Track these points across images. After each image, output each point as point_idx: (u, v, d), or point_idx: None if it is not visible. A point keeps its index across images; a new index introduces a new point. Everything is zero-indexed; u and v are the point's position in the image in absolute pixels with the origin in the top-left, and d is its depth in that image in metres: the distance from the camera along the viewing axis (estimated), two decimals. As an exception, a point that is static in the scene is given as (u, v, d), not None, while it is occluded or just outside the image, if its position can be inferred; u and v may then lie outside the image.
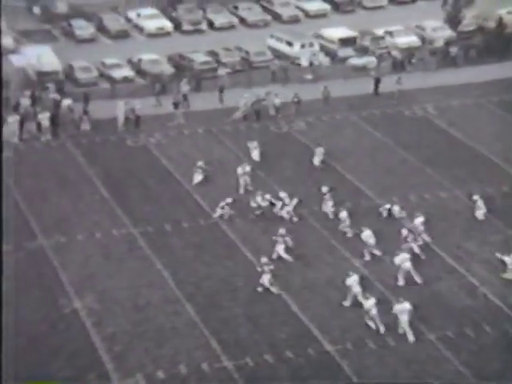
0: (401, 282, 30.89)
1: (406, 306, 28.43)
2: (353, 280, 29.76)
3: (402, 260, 30.99)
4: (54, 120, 41.58)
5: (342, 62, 49.32)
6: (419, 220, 33.43)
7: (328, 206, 34.91)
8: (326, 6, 57.10)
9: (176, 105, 43.38)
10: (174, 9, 55.05)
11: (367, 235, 32.39)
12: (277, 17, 55.84)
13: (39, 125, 41.30)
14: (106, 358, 27.42)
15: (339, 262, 32.18)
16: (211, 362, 27.28)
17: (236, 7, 56.06)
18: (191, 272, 31.59)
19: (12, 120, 40.64)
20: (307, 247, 33.01)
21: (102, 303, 29.81)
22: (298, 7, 56.78)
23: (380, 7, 57.90)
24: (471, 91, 46.37)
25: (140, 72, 47.56)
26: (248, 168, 37.00)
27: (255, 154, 39.15)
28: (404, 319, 28.34)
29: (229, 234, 33.85)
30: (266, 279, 30.30)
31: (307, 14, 56.46)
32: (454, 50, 50.00)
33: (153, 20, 54.02)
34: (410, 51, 50.11)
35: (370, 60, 49.27)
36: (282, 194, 35.37)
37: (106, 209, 35.54)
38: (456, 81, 47.38)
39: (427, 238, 33.13)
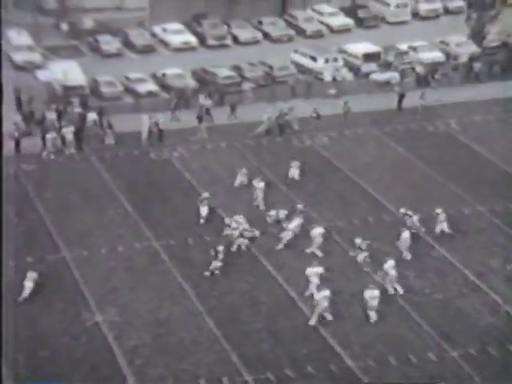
0: (390, 290, 31.06)
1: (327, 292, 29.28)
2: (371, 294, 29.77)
3: (389, 266, 30.99)
4: (78, 134, 41.94)
5: (365, 77, 49.33)
6: (406, 235, 33.14)
7: (294, 223, 34.10)
8: (350, 21, 57.21)
9: (200, 119, 43.62)
10: (198, 24, 55.42)
11: (390, 265, 31.47)
12: (301, 32, 56.01)
13: (63, 138, 41.65)
14: (127, 371, 27.51)
15: (361, 277, 32.07)
16: (232, 377, 27.28)
17: (260, 22, 56.33)
18: (213, 286, 31.63)
19: (51, 136, 40.91)
20: (330, 262, 32.93)
21: (123, 316, 29.91)
22: (321, 22, 56.91)
23: (404, 22, 57.91)
24: (494, 107, 46.18)
25: (164, 86, 47.88)
26: (262, 184, 36.81)
27: (294, 173, 38.65)
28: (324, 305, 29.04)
29: (251, 249, 33.87)
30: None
31: (331, 29, 56.58)
32: (477, 65, 49.87)
33: (178, 35, 54.39)
34: (433, 66, 50.03)
35: (392, 75, 49.25)
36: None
37: (129, 222, 35.72)
38: (479, 96, 47.21)
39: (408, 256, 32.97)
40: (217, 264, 32.06)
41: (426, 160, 41.04)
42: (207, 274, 31.99)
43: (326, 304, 29.34)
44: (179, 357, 28.10)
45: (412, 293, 31.25)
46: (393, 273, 31.16)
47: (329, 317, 29.57)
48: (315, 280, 30.59)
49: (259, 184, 36.97)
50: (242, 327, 29.43)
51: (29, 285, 30.50)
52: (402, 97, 45.77)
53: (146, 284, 31.68)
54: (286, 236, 33.58)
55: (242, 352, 28.24)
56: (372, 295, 29.69)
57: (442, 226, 34.61)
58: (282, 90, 47.36)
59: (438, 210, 34.81)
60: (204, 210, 35.53)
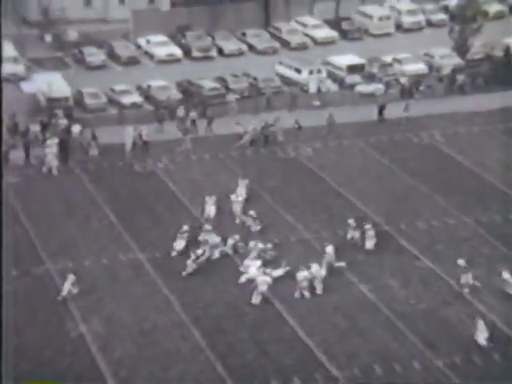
0: (319, 291, 31.50)
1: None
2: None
3: (316, 270, 31.60)
4: (62, 146, 41.78)
5: (349, 89, 49.53)
6: (330, 248, 33.10)
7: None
8: (334, 34, 57.48)
9: (185, 130, 43.64)
10: (183, 36, 55.52)
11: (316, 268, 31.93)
12: (285, 44, 56.22)
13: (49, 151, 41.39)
14: (112, 383, 27.34)
15: (346, 287, 32.09)
16: (217, 387, 27.20)
17: (244, 34, 56.49)
18: (198, 297, 31.56)
19: (49, 150, 40.70)
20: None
21: (108, 327, 29.78)
22: (306, 34, 57.15)
23: (387, 34, 58.25)
24: (478, 119, 46.46)
25: (149, 98, 47.88)
26: (240, 198, 36.56)
27: (242, 190, 37.51)
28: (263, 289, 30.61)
29: (235, 260, 33.82)
30: None
31: (315, 42, 56.82)
32: (461, 77, 50.20)
33: (163, 47, 54.45)
34: (417, 78, 50.31)
35: (377, 87, 49.50)
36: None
37: (114, 234, 35.61)
38: (463, 108, 47.49)
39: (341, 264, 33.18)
40: (193, 265, 32.21)
41: (411, 171, 41.20)
42: (184, 273, 32.00)
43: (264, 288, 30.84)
44: (164, 367, 27.97)
45: (396, 302, 31.27)
46: (322, 273, 31.72)
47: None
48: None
49: (238, 198, 36.70)
50: (227, 337, 29.37)
51: (67, 286, 31.10)
52: (382, 108, 45.98)
53: (130, 295, 31.56)
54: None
55: (227, 362, 28.17)
56: (303, 276, 31.16)
57: (371, 241, 34.25)
58: (264, 102, 47.45)
59: (368, 226, 34.56)
60: (180, 244, 33.95)
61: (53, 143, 41.40)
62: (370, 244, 34.29)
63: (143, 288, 32.05)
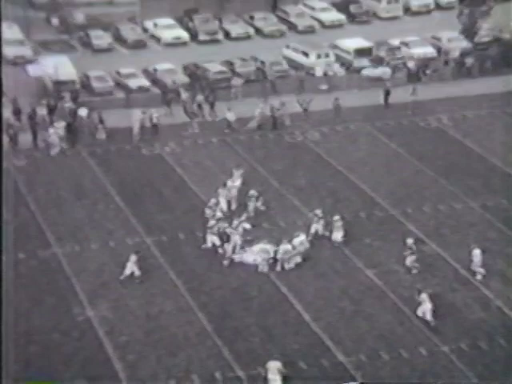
0: (298, 259, 32.08)
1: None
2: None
3: (301, 242, 32.11)
4: (69, 129, 41.81)
5: (357, 73, 49.32)
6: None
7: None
8: (342, 17, 57.17)
9: (192, 114, 43.57)
10: (190, 19, 55.29)
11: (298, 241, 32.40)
12: (293, 27, 55.96)
13: (56, 134, 41.44)
14: (119, 367, 27.48)
15: (352, 273, 32.12)
16: (224, 372, 27.28)
17: (252, 17, 56.24)
18: (204, 281, 31.63)
19: (52, 131, 40.75)
20: (320, 257, 32.96)
21: (115, 312, 29.88)
22: (313, 17, 56.87)
23: (395, 18, 57.90)
24: (486, 102, 46.22)
25: (155, 81, 47.78)
26: (237, 183, 36.18)
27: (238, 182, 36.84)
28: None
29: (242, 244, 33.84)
30: None
31: (323, 25, 56.54)
32: (469, 60, 49.91)
33: (169, 30, 54.28)
34: (425, 62, 50.05)
35: (384, 71, 49.26)
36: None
37: (121, 218, 35.66)
38: (471, 92, 47.25)
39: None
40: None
41: (418, 155, 41.09)
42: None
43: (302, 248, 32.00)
44: (171, 352, 28.09)
45: (403, 288, 31.28)
46: (301, 248, 32.16)
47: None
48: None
49: (234, 183, 36.29)
50: (234, 322, 29.45)
51: (130, 265, 31.24)
52: (387, 93, 45.77)
53: (137, 279, 31.62)
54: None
55: (233, 347, 28.26)
56: (300, 241, 32.00)
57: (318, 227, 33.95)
58: (271, 86, 47.32)
59: (318, 211, 34.18)
60: (212, 239, 33.30)
61: (59, 126, 41.45)
62: (337, 235, 33.62)
63: (150, 272, 32.12)
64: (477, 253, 31.97)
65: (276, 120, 43.43)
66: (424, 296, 29.31)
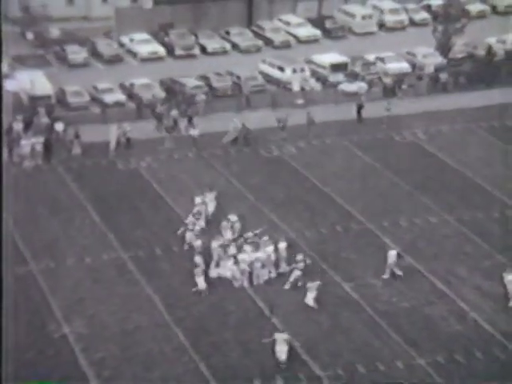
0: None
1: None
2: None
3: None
4: (45, 144, 41.58)
5: (333, 87, 49.58)
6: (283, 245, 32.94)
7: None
8: (317, 32, 57.48)
9: (168, 129, 43.56)
10: (166, 34, 55.35)
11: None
12: (268, 42, 56.19)
13: (32, 149, 41.24)
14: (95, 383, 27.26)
15: (329, 286, 32.13)
16: (201, 388, 27.17)
17: (228, 32, 56.40)
18: (181, 296, 31.50)
19: (24, 143, 40.65)
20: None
21: (90, 328, 29.67)
22: (289, 33, 57.14)
23: (370, 33, 58.33)
24: (461, 117, 46.64)
25: (132, 96, 47.72)
26: (207, 198, 35.91)
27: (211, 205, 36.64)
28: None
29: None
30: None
31: (298, 40, 56.82)
32: (444, 76, 50.37)
33: (145, 45, 54.28)
34: (400, 77, 50.42)
35: (360, 85, 49.55)
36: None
37: (97, 233, 35.48)
38: (446, 106, 47.65)
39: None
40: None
41: (394, 169, 41.31)
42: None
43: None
44: (147, 368, 27.91)
45: (379, 301, 31.36)
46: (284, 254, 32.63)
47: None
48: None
49: (205, 198, 35.96)
50: (211, 337, 29.35)
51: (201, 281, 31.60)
52: (360, 108, 46.03)
53: (113, 295, 31.46)
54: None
55: (210, 362, 28.14)
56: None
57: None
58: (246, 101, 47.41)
59: (233, 218, 34.27)
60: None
61: (37, 141, 41.15)
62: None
63: (126, 288, 31.95)
64: (392, 254, 32.36)
65: (248, 136, 43.17)
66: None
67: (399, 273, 32.58)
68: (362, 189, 39.59)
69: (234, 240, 33.53)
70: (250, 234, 33.65)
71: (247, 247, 32.68)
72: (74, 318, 30.01)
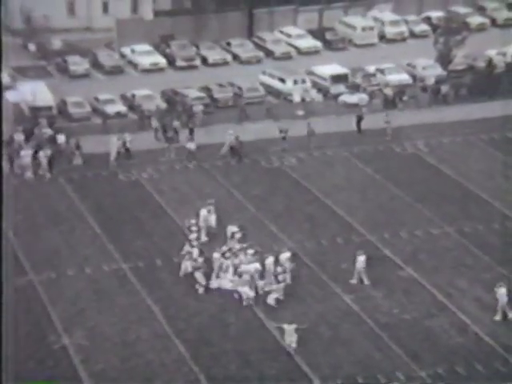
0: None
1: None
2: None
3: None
4: (49, 157, 41.58)
5: (334, 99, 49.66)
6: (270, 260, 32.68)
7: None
8: (318, 44, 57.65)
9: (169, 139, 43.62)
10: (167, 45, 55.50)
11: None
12: (269, 53, 56.34)
13: (40, 161, 41.17)
14: (95, 395, 27.24)
15: (329, 298, 32.10)
16: (201, 399, 27.13)
17: (229, 44, 56.56)
18: (182, 308, 31.47)
19: (24, 153, 40.68)
20: (297, 282, 32.92)
21: (91, 339, 29.62)
22: (289, 44, 57.30)
23: (371, 45, 58.47)
24: (461, 129, 46.69)
25: (133, 107, 47.80)
26: (204, 212, 35.75)
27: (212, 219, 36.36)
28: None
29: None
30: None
31: (299, 51, 56.98)
32: (444, 88, 50.47)
33: (147, 56, 54.42)
34: (401, 88, 50.52)
35: (361, 97, 49.64)
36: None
37: (97, 244, 35.48)
38: (447, 118, 47.71)
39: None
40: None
41: (394, 181, 41.32)
42: None
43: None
44: (147, 379, 27.86)
45: (380, 313, 31.32)
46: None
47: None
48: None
49: (202, 212, 35.84)
50: (211, 349, 29.30)
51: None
52: (360, 119, 46.09)
53: (114, 306, 31.43)
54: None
55: (210, 374, 28.09)
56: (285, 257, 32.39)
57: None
58: (251, 111, 47.47)
59: (234, 229, 34.26)
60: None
61: (43, 155, 41.07)
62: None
63: (126, 299, 31.92)
64: (360, 259, 32.58)
65: (235, 149, 43.12)
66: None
67: (366, 282, 32.62)
68: (362, 200, 39.60)
69: (230, 250, 33.46)
70: (237, 247, 33.54)
71: (245, 258, 32.57)
72: (74, 329, 29.96)
